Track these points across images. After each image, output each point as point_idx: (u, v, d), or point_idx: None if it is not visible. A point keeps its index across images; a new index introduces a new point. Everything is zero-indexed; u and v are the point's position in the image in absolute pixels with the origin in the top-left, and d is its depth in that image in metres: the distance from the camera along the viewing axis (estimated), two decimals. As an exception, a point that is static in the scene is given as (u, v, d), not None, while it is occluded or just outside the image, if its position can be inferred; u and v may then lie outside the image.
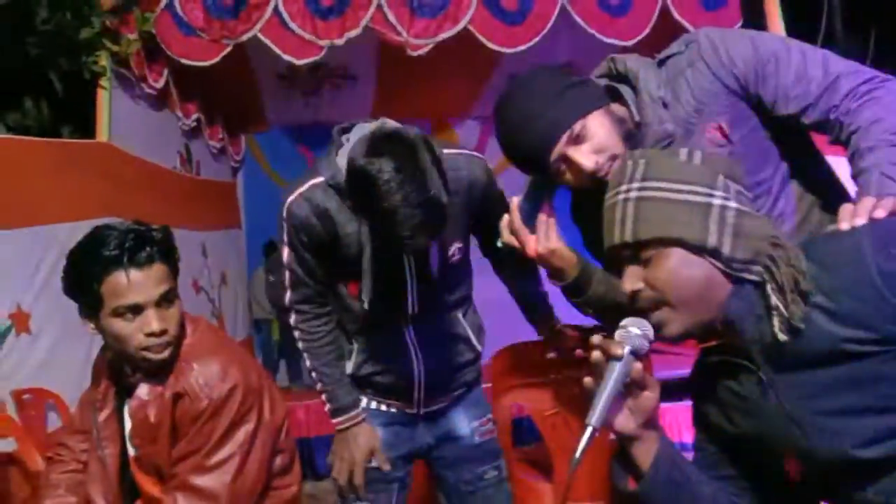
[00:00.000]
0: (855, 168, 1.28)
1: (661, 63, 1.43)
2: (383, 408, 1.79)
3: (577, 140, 1.35)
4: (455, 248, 1.68)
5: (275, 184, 6.48)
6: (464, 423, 1.82)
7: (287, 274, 1.69)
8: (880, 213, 1.05)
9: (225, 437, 1.53)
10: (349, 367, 1.76)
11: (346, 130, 1.62)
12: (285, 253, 1.67)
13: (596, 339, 1.05)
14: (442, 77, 5.17)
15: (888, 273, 0.94)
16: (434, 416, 1.80)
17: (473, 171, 1.65)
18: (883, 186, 1.20)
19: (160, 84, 4.06)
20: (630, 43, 4.15)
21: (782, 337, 1.01)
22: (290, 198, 1.60)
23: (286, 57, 3.96)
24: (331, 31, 3.91)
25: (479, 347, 1.82)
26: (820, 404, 1.01)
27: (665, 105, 1.39)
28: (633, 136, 1.40)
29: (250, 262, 6.42)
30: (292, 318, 1.73)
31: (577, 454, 1.01)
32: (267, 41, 3.90)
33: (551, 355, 1.96)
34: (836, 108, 1.31)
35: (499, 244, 1.51)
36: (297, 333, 1.74)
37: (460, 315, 1.79)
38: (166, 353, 1.53)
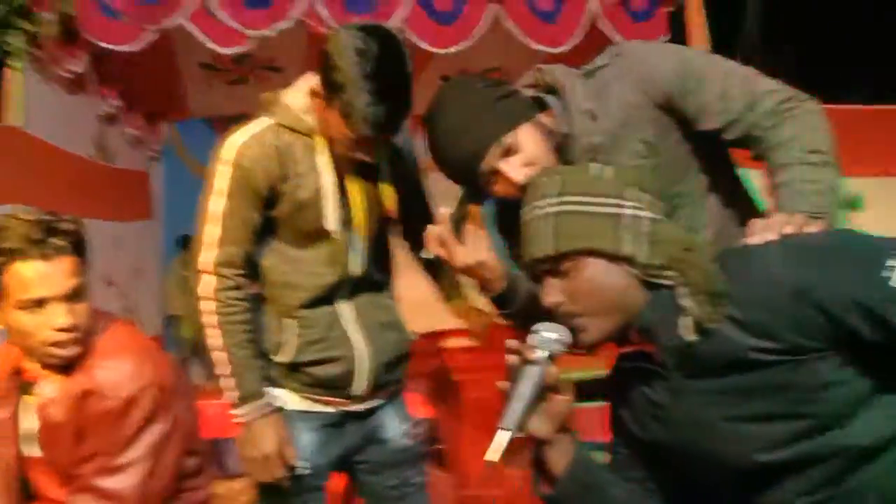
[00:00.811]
0: (771, 185, 1.33)
1: (589, 75, 1.45)
2: (316, 408, 1.68)
3: (508, 153, 1.35)
4: (396, 199, 1.69)
5: (195, 175, 6.29)
6: (394, 425, 1.75)
7: (215, 229, 1.57)
8: (789, 230, 1.10)
9: (135, 438, 1.48)
10: (286, 354, 1.63)
11: None
12: (218, 204, 1.57)
13: (512, 343, 1.07)
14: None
15: (793, 286, 0.98)
16: (365, 413, 1.72)
17: (408, 139, 1.74)
18: (795, 203, 1.24)
19: (78, 68, 3.87)
20: (559, 50, 4.21)
21: (690, 337, 1.04)
22: (239, 139, 1.57)
23: (211, 45, 3.85)
24: (258, 22, 3.83)
25: (410, 339, 1.78)
26: (727, 411, 1.05)
27: (593, 117, 1.40)
28: (561, 148, 1.41)
29: (166, 254, 6.22)
30: (211, 285, 1.57)
31: (492, 457, 1.01)
32: (192, 28, 3.79)
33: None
34: (756, 126, 1.35)
35: (424, 255, 1.49)
36: (211, 305, 1.57)
37: (392, 301, 1.76)
38: (75, 350, 1.47)
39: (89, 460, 1.47)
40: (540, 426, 1.08)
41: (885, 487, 0.98)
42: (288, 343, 1.63)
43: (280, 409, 1.64)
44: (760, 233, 1.11)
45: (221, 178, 1.57)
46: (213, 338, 1.59)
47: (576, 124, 1.40)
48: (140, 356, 1.53)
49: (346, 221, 1.62)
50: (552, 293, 1.10)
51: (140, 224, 5.48)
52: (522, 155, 1.35)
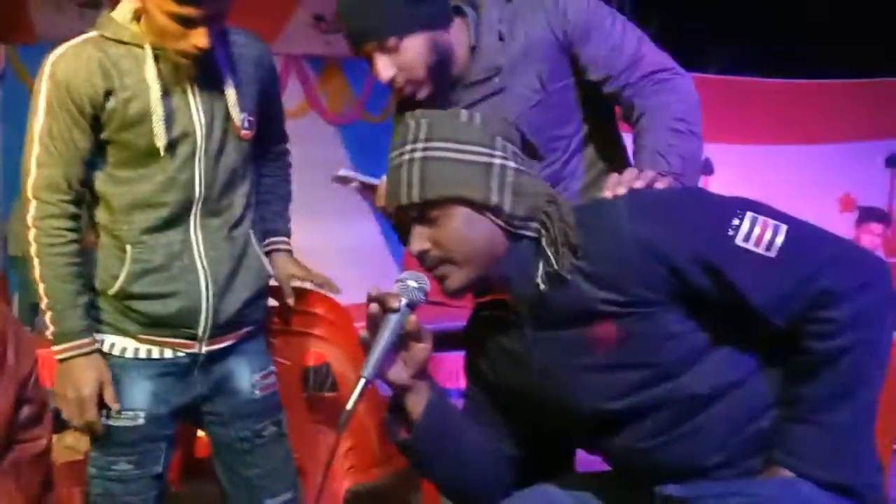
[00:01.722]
0: (635, 147, 1.40)
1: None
2: (154, 353, 1.56)
3: (386, 50, 1.38)
4: (244, 117, 1.57)
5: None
6: (244, 375, 1.65)
7: (35, 149, 1.46)
8: (639, 184, 1.15)
9: (-42, 386, 1.36)
10: (117, 284, 1.50)
11: None
12: (37, 124, 1.46)
13: (372, 290, 1.06)
14: (240, 7, 4.89)
15: (639, 240, 1.02)
16: (212, 360, 1.61)
17: (263, 48, 1.69)
18: (654, 163, 1.30)
19: None
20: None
21: (542, 287, 1.07)
22: (55, 54, 1.46)
23: (59, -39, 3.51)
24: (114, -60, 3.52)
25: (269, 275, 1.68)
26: (576, 360, 1.09)
27: (500, 38, 1.45)
28: (447, 63, 1.43)
29: (6, 191, 5.70)
30: (30, 213, 1.46)
31: (349, 405, 1.02)
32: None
33: None
34: (631, 86, 1.41)
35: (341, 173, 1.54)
36: (31, 234, 1.47)
37: (251, 232, 1.63)
38: None
39: None
40: (399, 373, 1.09)
41: (717, 430, 1.05)
42: (121, 274, 1.51)
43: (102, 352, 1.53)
44: (612, 188, 1.16)
45: (39, 95, 1.45)
46: (35, 269, 1.48)
47: (483, 41, 1.45)
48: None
49: (182, 138, 1.50)
50: (418, 240, 1.09)
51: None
52: (398, 58, 1.38)
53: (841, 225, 5.68)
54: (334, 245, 5.67)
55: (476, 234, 1.07)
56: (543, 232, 1.07)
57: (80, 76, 1.43)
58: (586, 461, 1.35)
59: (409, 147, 1.09)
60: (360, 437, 2.02)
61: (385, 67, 1.38)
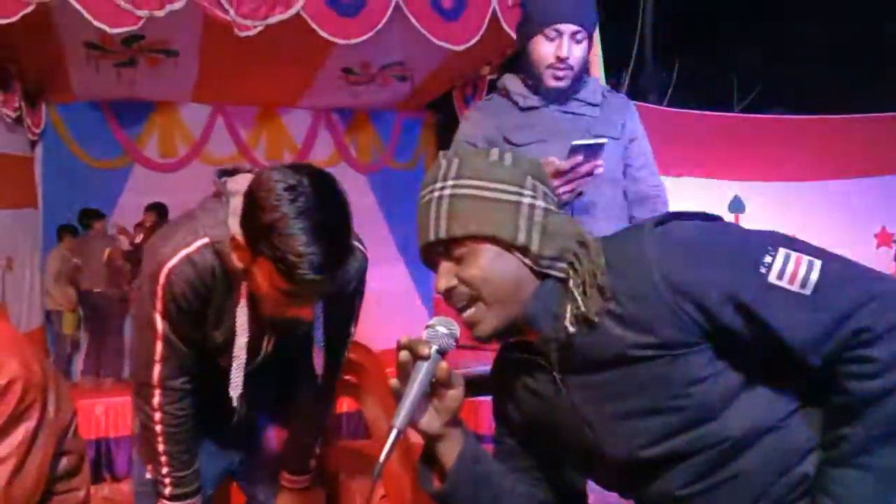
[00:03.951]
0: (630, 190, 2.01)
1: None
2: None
3: (576, 38, 1.83)
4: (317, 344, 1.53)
5: (78, 160, 5.95)
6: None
7: (158, 346, 1.47)
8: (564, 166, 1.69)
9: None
10: None
11: (227, 174, 1.46)
12: (158, 324, 1.45)
13: (403, 338, 1.05)
14: (271, 62, 5.00)
15: (669, 281, 0.99)
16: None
17: (352, 273, 1.54)
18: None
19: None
20: (461, 47, 4.25)
21: (571, 330, 1.04)
22: (171, 261, 1.40)
23: (98, 24, 3.64)
24: (151, 1, 3.65)
25: None
26: (609, 406, 1.06)
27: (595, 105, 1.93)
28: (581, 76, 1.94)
29: (46, 245, 5.84)
30: (155, 399, 1.50)
31: (382, 457, 1.00)
32: (76, 4, 3.57)
33: None
34: (648, 186, 1.98)
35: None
36: (157, 415, 1.50)
37: None
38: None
39: (-53, 462, 1.36)
40: (431, 422, 1.08)
41: (758, 476, 1.01)
42: None
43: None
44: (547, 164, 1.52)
45: (152, 298, 1.44)
46: (158, 444, 1.53)
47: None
48: (5, 351, 1.42)
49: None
50: (444, 278, 1.08)
51: (13, 211, 5.14)
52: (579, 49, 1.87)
53: (878, 260, 5.56)
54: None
55: (503, 271, 1.05)
56: (571, 273, 1.06)
57: (194, 289, 1.42)
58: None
59: (438, 184, 1.09)
60: (393, 484, 2.00)
61: (571, 48, 1.81)
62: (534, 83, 1.89)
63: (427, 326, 1.07)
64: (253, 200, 1.27)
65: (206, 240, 1.41)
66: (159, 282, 1.41)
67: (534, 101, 1.89)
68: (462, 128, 1.97)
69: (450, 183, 1.08)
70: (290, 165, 1.30)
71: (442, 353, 1.05)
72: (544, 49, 1.82)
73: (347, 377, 2.07)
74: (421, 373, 1.02)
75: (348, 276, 1.51)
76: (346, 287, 1.54)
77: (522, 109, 1.89)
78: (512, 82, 1.94)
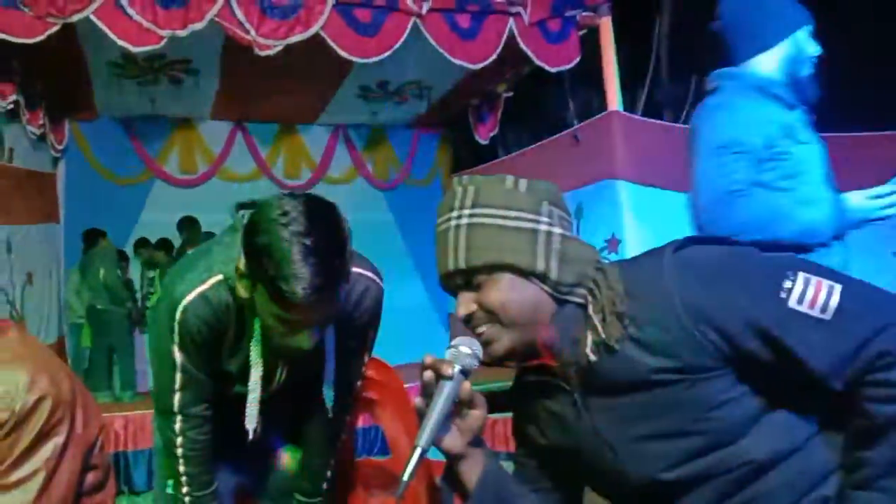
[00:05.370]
0: None
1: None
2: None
3: None
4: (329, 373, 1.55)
5: (100, 176, 6.04)
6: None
7: (178, 377, 1.51)
8: None
9: (29, 452, 1.39)
10: None
11: (246, 207, 1.47)
12: (176, 356, 1.49)
13: (427, 358, 1.06)
14: (290, 81, 5.07)
15: (689, 306, 1.00)
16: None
17: (364, 299, 1.57)
18: None
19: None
20: (477, 66, 4.30)
21: (592, 357, 1.05)
22: (186, 299, 1.44)
23: (122, 43, 3.72)
24: (173, 21, 3.73)
25: None
26: (630, 429, 1.06)
27: None
28: None
29: (68, 259, 5.91)
30: (176, 425, 1.55)
31: (405, 476, 1.00)
32: (100, 24, 3.65)
33: None
34: None
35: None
36: (179, 440, 1.56)
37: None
38: (-37, 359, 1.38)
39: (-22, 477, 1.38)
40: (454, 441, 1.08)
41: (778, 499, 1.01)
42: None
43: None
44: None
45: (170, 333, 1.48)
46: (179, 466, 1.58)
47: None
48: (35, 367, 1.44)
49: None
50: (464, 306, 1.09)
51: (36, 226, 5.21)
52: None
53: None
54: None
55: (522, 298, 1.06)
56: (590, 299, 1.06)
57: (207, 326, 1.46)
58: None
59: (455, 213, 1.09)
60: (411, 502, 2.01)
61: None
62: None
63: (450, 347, 1.08)
64: (250, 227, 1.31)
65: (220, 276, 1.44)
66: (176, 318, 1.46)
67: None
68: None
69: (466, 212, 1.08)
70: (288, 193, 1.33)
71: (465, 372, 1.05)
72: None
73: (366, 394, 2.08)
74: (444, 392, 1.03)
75: (350, 304, 1.53)
76: (354, 316, 1.56)
77: None
78: None
